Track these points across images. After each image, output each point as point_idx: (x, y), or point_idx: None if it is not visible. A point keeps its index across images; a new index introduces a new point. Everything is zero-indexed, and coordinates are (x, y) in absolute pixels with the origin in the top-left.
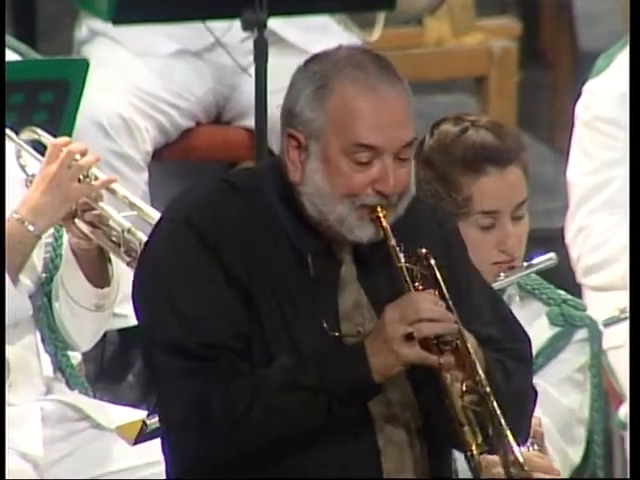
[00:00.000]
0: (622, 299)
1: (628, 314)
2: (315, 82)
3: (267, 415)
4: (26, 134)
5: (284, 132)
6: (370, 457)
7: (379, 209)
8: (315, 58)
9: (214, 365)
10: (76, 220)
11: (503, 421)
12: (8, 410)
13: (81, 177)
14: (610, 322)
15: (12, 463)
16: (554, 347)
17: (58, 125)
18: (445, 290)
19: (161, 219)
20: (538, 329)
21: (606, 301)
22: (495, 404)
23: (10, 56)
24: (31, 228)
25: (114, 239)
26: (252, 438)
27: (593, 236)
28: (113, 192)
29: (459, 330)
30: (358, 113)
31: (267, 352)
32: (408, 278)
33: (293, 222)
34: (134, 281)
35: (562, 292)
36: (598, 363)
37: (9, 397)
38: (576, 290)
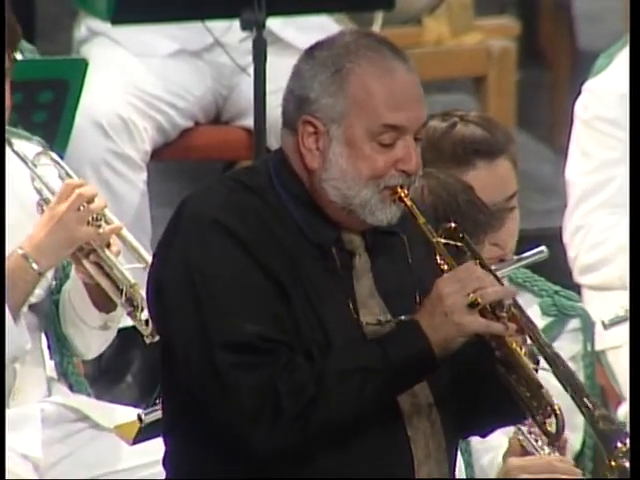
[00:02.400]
0: (620, 299)
1: None
2: (329, 67)
3: (332, 400)
4: (42, 159)
5: (297, 120)
6: (403, 447)
7: (400, 189)
8: (320, 45)
9: (274, 357)
10: (83, 260)
11: (578, 379)
12: (8, 411)
13: (90, 219)
14: (616, 321)
15: (12, 464)
16: (547, 336)
17: (57, 125)
18: (483, 259)
19: (180, 222)
20: None
21: (604, 301)
22: (565, 363)
23: None
24: (35, 266)
25: (118, 285)
26: (320, 423)
27: (591, 235)
28: (121, 238)
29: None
30: (381, 94)
31: (303, 345)
32: (446, 252)
33: (305, 215)
34: (160, 288)
35: (552, 285)
36: (591, 353)
37: (12, 403)
38: (574, 290)
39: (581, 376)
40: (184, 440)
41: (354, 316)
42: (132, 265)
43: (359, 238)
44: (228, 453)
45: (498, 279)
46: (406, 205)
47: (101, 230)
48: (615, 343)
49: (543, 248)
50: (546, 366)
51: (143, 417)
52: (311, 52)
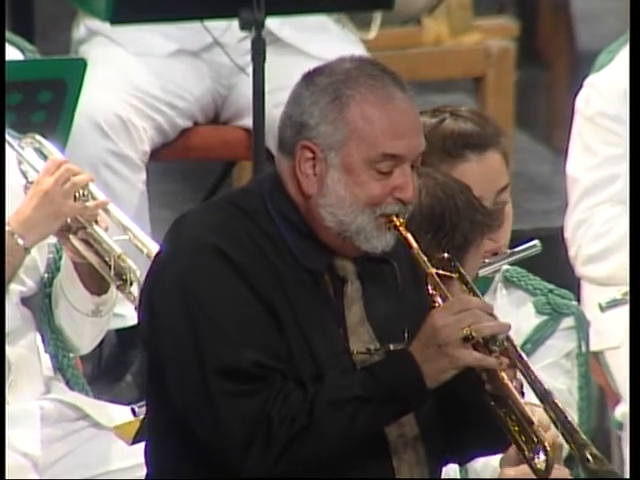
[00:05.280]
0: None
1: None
2: (330, 94)
3: (324, 429)
4: (28, 141)
5: (295, 145)
6: (387, 477)
7: (395, 218)
8: (320, 71)
9: (267, 384)
10: (70, 236)
11: (569, 416)
12: (7, 408)
13: (77, 195)
14: (613, 304)
15: (11, 461)
16: (541, 334)
17: (56, 125)
18: (477, 291)
19: (177, 243)
20: (524, 317)
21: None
22: (557, 400)
23: (9, 51)
24: (20, 241)
25: (106, 259)
26: (311, 452)
27: (594, 227)
28: (108, 213)
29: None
30: (381, 123)
31: (294, 372)
32: (440, 283)
33: (299, 241)
34: (154, 310)
35: (547, 283)
36: (585, 351)
37: (9, 397)
38: (572, 290)
39: (576, 374)
40: (169, 457)
41: (344, 344)
42: (118, 237)
43: (351, 265)
44: (214, 472)
45: (492, 313)
46: (401, 234)
47: (87, 204)
48: (613, 343)
49: (536, 242)
50: (537, 402)
51: (137, 410)
52: (311, 78)
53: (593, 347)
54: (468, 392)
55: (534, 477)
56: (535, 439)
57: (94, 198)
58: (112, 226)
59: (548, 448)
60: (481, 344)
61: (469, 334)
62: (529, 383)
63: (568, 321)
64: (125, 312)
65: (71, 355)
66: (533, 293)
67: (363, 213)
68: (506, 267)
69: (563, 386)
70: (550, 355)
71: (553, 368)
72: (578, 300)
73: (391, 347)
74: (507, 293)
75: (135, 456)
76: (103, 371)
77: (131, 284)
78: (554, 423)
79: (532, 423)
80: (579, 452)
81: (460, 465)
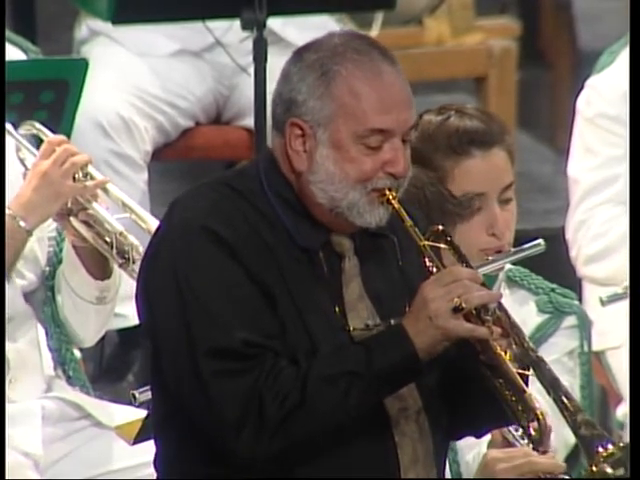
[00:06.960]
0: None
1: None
2: (317, 70)
3: (317, 405)
4: (25, 128)
5: (285, 122)
6: (389, 452)
7: (388, 192)
8: (308, 47)
9: (259, 362)
10: (71, 218)
11: (562, 384)
12: (8, 407)
13: (77, 176)
14: (614, 299)
15: (12, 460)
16: (543, 332)
17: (58, 124)
18: (469, 261)
19: (168, 227)
20: (526, 316)
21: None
22: (549, 367)
23: (12, 51)
24: (22, 224)
25: (107, 240)
26: (305, 429)
27: (594, 227)
28: (107, 193)
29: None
30: (368, 97)
31: (289, 349)
32: (433, 255)
33: (294, 219)
34: (148, 295)
35: (549, 283)
36: (588, 350)
37: (9, 393)
38: (574, 290)
39: (578, 373)
40: (173, 442)
41: (341, 322)
42: (119, 215)
43: (348, 241)
44: (216, 456)
45: (483, 283)
46: (394, 208)
47: (87, 184)
48: (614, 344)
49: (540, 241)
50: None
51: (137, 396)
52: (299, 54)
53: (594, 347)
54: (470, 365)
55: (518, 456)
56: (528, 407)
57: (93, 178)
58: (112, 206)
59: (540, 416)
60: (473, 314)
61: (459, 305)
62: (522, 351)
63: (570, 320)
64: (127, 312)
65: (74, 350)
66: (535, 292)
67: (354, 189)
68: (509, 267)
69: (566, 383)
70: (552, 353)
71: (555, 366)
72: (580, 299)
73: (392, 322)
74: (510, 292)
75: (137, 456)
76: (105, 371)
77: (134, 262)
78: (547, 391)
79: (524, 391)
80: (571, 418)
81: (477, 438)
